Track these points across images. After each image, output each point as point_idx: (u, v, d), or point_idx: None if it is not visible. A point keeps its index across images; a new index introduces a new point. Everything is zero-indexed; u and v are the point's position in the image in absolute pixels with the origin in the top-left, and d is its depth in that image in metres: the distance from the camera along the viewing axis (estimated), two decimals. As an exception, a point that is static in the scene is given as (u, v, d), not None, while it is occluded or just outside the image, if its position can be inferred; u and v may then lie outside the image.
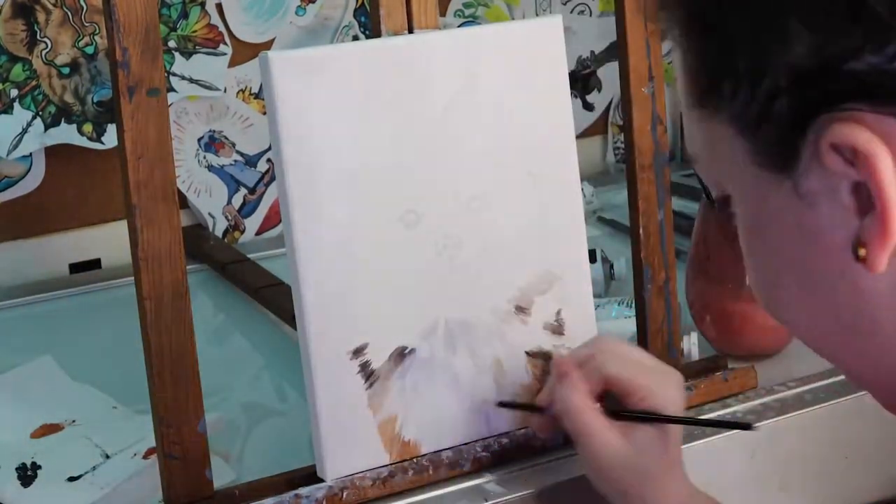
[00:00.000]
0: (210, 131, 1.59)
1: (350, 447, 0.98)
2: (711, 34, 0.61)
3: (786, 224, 0.61)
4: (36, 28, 1.46)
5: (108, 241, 1.55)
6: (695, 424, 0.98)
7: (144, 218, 0.92)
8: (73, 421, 1.15)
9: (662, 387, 0.96)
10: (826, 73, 0.56)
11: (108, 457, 1.07)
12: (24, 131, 1.47)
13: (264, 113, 1.57)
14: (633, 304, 1.15)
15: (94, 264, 1.56)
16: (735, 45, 0.59)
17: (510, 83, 1.02)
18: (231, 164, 1.61)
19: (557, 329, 1.05)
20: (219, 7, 1.56)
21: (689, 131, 0.66)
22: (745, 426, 0.99)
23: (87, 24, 1.48)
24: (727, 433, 1.10)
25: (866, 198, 0.57)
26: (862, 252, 0.58)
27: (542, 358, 1.05)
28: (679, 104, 1.88)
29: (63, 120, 1.49)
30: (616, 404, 0.96)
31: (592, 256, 1.34)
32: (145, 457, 1.06)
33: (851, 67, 0.55)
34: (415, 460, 1.00)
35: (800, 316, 0.65)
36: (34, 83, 1.47)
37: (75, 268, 1.55)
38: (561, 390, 0.96)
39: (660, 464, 0.94)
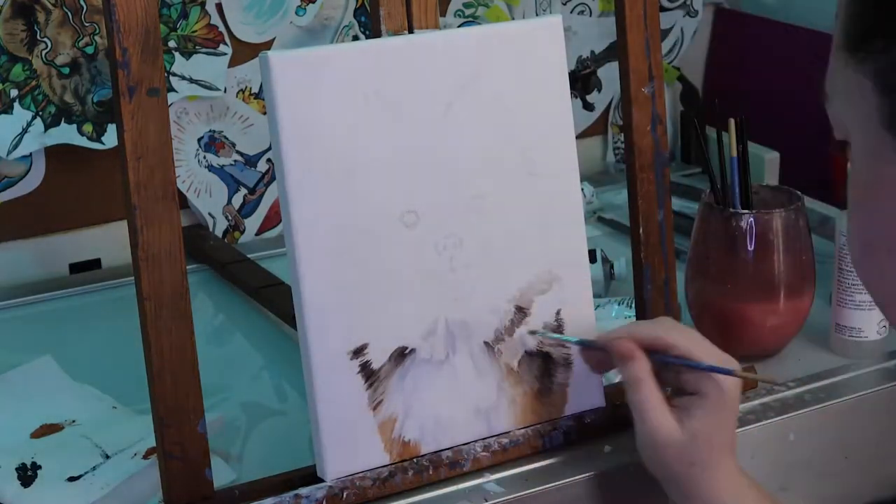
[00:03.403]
0: (210, 131, 1.59)
1: (350, 447, 0.98)
2: None
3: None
4: (36, 28, 1.46)
5: (108, 241, 1.55)
6: (742, 377, 0.99)
7: (144, 218, 0.92)
8: (73, 421, 1.15)
9: (721, 363, 0.98)
10: None
11: (108, 457, 1.07)
12: (24, 131, 1.47)
13: (264, 113, 1.57)
14: (633, 304, 1.15)
15: (94, 264, 1.56)
16: (891, 6, 0.60)
17: (510, 83, 1.02)
18: (231, 164, 1.61)
19: (557, 329, 1.05)
20: (219, 7, 1.55)
21: (832, 69, 0.66)
22: (775, 382, 1.04)
23: (87, 24, 1.48)
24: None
25: None
26: None
27: (542, 358, 1.05)
28: (678, 104, 1.88)
29: (63, 120, 1.49)
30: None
31: (592, 256, 1.34)
32: (145, 457, 1.06)
33: None
34: (415, 460, 1.00)
35: (884, 280, 0.66)
36: (34, 83, 1.47)
37: (75, 268, 1.55)
38: (629, 367, 0.97)
39: (712, 452, 0.95)
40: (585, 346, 1.03)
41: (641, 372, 0.97)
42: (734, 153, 1.22)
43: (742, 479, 0.97)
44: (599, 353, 1.02)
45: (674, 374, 0.99)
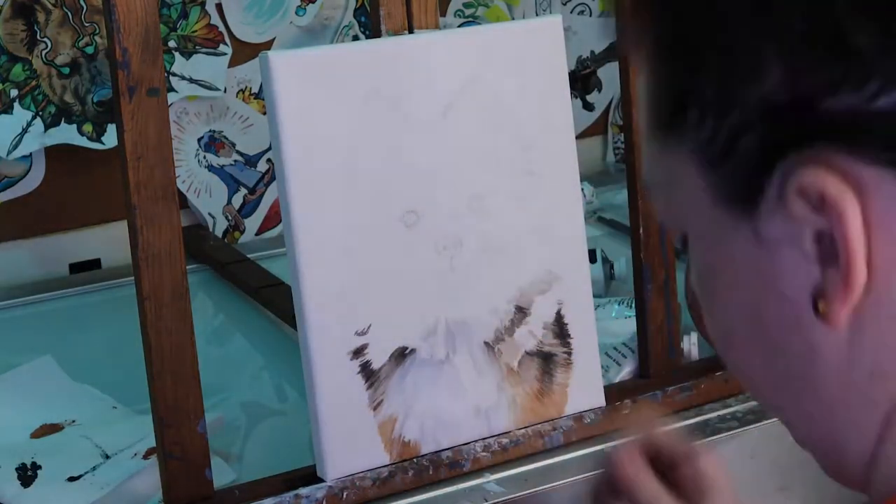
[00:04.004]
0: (210, 131, 1.59)
1: (350, 447, 0.98)
2: (680, 57, 0.56)
3: (742, 269, 0.57)
4: (36, 28, 1.46)
5: (108, 241, 1.55)
6: None
7: (144, 218, 0.92)
8: (73, 421, 1.15)
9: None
10: (799, 110, 0.52)
11: (108, 457, 1.07)
12: (24, 131, 1.47)
13: (264, 113, 1.57)
14: (633, 304, 1.15)
15: (94, 264, 1.56)
16: (704, 70, 0.55)
17: (510, 83, 1.02)
18: (231, 164, 1.61)
19: (557, 329, 1.05)
20: (219, 7, 1.56)
21: (648, 162, 0.61)
22: None
23: (87, 24, 1.48)
24: (728, 433, 1.10)
25: (830, 248, 0.53)
26: (822, 306, 0.54)
27: (542, 358, 1.05)
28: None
29: (63, 120, 1.49)
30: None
31: (592, 256, 1.34)
32: (145, 457, 1.06)
33: (827, 105, 0.51)
34: (415, 460, 1.00)
35: (751, 365, 0.61)
36: (34, 83, 1.47)
37: (75, 268, 1.55)
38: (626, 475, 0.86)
39: None
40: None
41: (637, 473, 0.86)
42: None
43: None
44: None
45: None
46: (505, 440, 1.03)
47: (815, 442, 0.64)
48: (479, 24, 1.67)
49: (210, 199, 1.60)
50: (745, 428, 1.11)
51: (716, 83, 0.55)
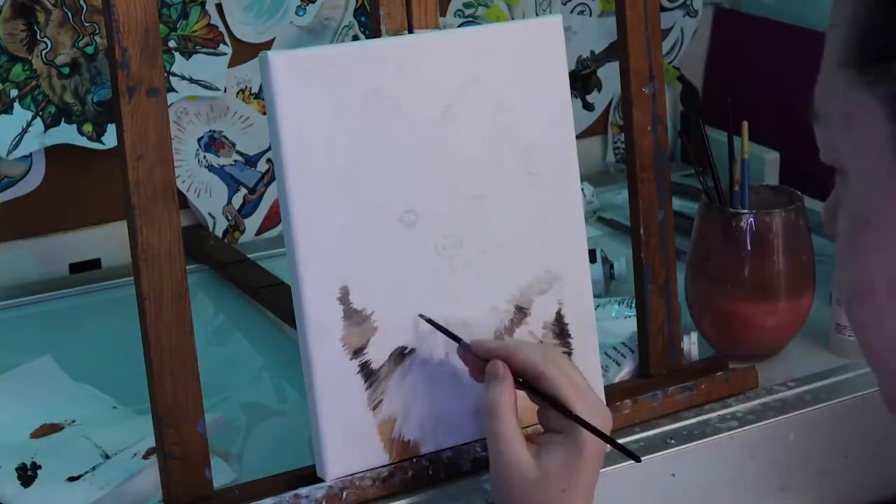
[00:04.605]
0: (210, 131, 1.59)
1: (350, 447, 0.98)
2: None
3: None
4: (36, 28, 1.46)
5: (108, 241, 1.55)
6: (593, 432, 0.91)
7: (144, 218, 0.92)
8: (73, 421, 1.15)
9: (589, 413, 0.92)
10: None
11: (108, 457, 1.07)
12: (24, 131, 1.47)
13: (264, 113, 1.57)
14: (633, 304, 1.15)
15: (94, 264, 1.56)
16: None
17: (510, 83, 1.02)
18: (231, 164, 1.61)
19: (557, 329, 1.05)
20: (219, 7, 1.55)
21: (827, 86, 0.58)
22: (634, 458, 0.93)
23: (87, 24, 1.48)
24: (728, 433, 1.10)
25: None
26: None
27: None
28: (678, 104, 1.87)
29: (63, 120, 1.49)
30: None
31: (592, 256, 1.34)
32: (145, 457, 1.06)
33: None
34: (415, 460, 1.00)
35: (880, 327, 0.60)
36: (34, 83, 1.47)
37: (75, 268, 1.55)
38: (491, 391, 0.93)
39: (563, 496, 0.90)
40: (466, 348, 0.97)
41: (502, 398, 0.91)
42: (746, 154, 1.22)
43: None
44: (479, 362, 0.96)
45: (540, 409, 0.94)
46: (505, 440, 1.03)
47: None
48: (479, 24, 1.67)
49: (210, 199, 1.60)
50: (745, 428, 1.11)
51: None
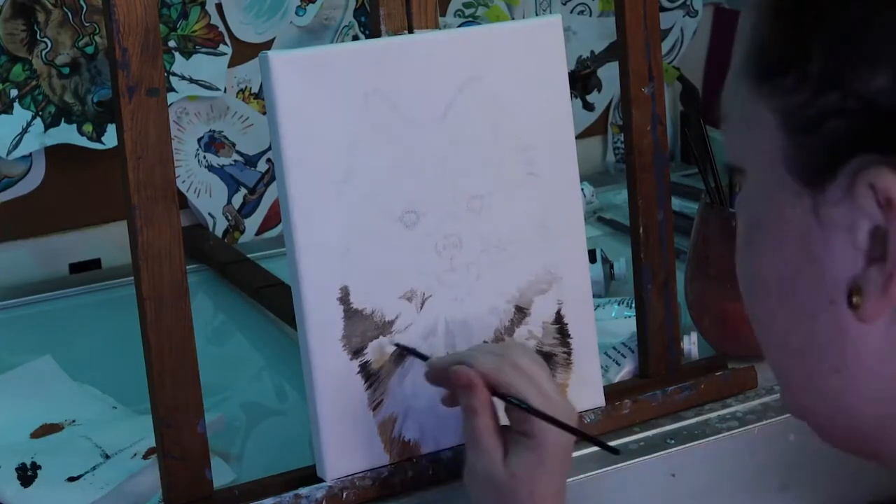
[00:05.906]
0: (210, 131, 1.59)
1: (350, 447, 0.98)
2: (803, 23, 0.56)
3: (791, 234, 0.58)
4: (36, 28, 1.46)
5: (108, 241, 1.55)
6: (568, 431, 0.91)
7: (144, 218, 0.92)
8: (73, 421, 1.15)
9: (552, 408, 0.91)
10: None
11: (108, 457, 1.07)
12: (24, 131, 1.47)
13: (264, 113, 1.57)
14: (633, 304, 1.15)
15: (94, 264, 1.56)
16: (820, 45, 0.55)
17: (510, 83, 1.02)
18: (231, 164, 1.61)
19: (557, 329, 1.05)
20: (219, 7, 1.56)
21: (731, 96, 0.61)
22: (613, 450, 0.92)
23: (87, 24, 1.48)
24: (728, 433, 1.10)
25: (880, 246, 0.54)
26: (856, 300, 0.56)
27: (542, 358, 1.04)
28: (678, 104, 1.87)
29: (63, 120, 1.49)
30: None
31: (592, 256, 1.34)
32: (145, 457, 1.06)
33: None
34: (415, 460, 1.00)
35: (772, 327, 0.63)
36: (34, 83, 1.47)
37: (75, 268, 1.55)
38: (465, 398, 0.92)
39: (531, 497, 0.89)
40: (433, 367, 0.96)
41: (478, 402, 0.91)
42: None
43: None
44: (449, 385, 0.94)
45: (508, 412, 0.93)
46: (505, 440, 1.03)
47: (812, 411, 0.64)
48: (479, 24, 1.67)
49: (210, 199, 1.60)
50: (745, 428, 1.11)
51: (826, 61, 0.55)
